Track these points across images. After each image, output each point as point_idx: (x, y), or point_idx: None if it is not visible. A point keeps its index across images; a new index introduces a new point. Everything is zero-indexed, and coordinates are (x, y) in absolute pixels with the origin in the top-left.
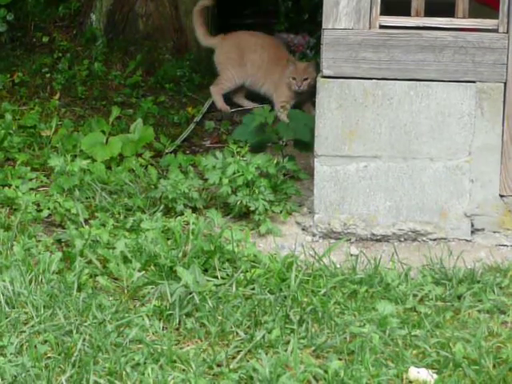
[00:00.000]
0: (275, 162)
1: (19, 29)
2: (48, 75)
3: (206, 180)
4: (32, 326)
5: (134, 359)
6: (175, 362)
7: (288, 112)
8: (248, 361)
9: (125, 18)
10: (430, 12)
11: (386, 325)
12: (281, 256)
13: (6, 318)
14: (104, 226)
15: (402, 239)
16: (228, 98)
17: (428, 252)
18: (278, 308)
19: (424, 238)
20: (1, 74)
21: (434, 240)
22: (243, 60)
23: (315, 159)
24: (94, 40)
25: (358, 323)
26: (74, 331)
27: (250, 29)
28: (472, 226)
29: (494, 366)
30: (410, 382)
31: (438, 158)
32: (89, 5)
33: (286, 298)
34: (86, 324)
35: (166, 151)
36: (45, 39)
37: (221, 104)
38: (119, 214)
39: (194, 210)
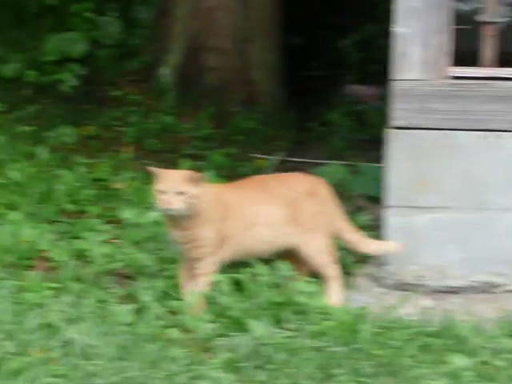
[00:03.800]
0: None
1: (91, 83)
2: (120, 129)
3: None
4: (105, 379)
5: None
6: None
7: None
8: None
9: (195, 71)
10: (502, 62)
11: (459, 378)
12: (352, 308)
13: (80, 371)
14: (175, 278)
15: (476, 291)
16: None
17: (503, 304)
18: (349, 360)
19: (498, 290)
20: (74, 128)
21: (509, 292)
22: None
23: (386, 210)
24: (165, 93)
25: (431, 376)
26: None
27: (319, 81)
28: None
29: None
30: None
31: None
32: (160, 59)
33: (358, 350)
34: (158, 376)
35: None
36: (117, 93)
37: None
38: None
39: (265, 261)
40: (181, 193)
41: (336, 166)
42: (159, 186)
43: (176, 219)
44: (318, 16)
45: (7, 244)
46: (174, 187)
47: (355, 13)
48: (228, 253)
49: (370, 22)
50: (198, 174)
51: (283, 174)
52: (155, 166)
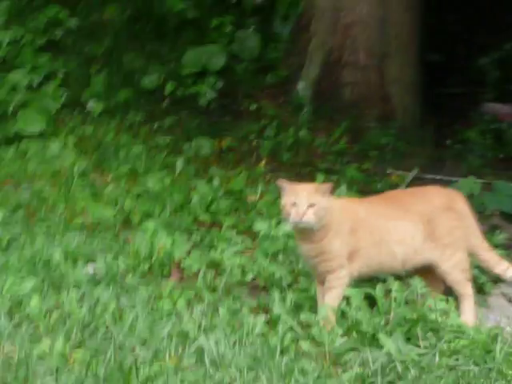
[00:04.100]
0: None
1: (228, 96)
2: (255, 141)
3: None
4: None
5: None
6: None
7: None
8: None
9: (331, 86)
10: None
11: None
12: (486, 327)
13: (210, 379)
14: (306, 291)
15: None
16: None
17: None
18: (482, 380)
19: None
20: (210, 140)
21: None
22: None
23: None
24: (301, 108)
25: None
26: None
27: (456, 98)
28: None
29: None
30: None
31: None
32: (297, 73)
33: (490, 370)
34: None
35: None
36: (252, 106)
37: None
38: None
39: (397, 277)
40: (311, 205)
41: (470, 182)
42: (289, 198)
43: (305, 232)
44: (456, 33)
45: (143, 252)
46: (304, 199)
47: (494, 31)
48: (358, 267)
49: (510, 40)
50: (326, 185)
51: (419, 188)
52: (288, 180)
